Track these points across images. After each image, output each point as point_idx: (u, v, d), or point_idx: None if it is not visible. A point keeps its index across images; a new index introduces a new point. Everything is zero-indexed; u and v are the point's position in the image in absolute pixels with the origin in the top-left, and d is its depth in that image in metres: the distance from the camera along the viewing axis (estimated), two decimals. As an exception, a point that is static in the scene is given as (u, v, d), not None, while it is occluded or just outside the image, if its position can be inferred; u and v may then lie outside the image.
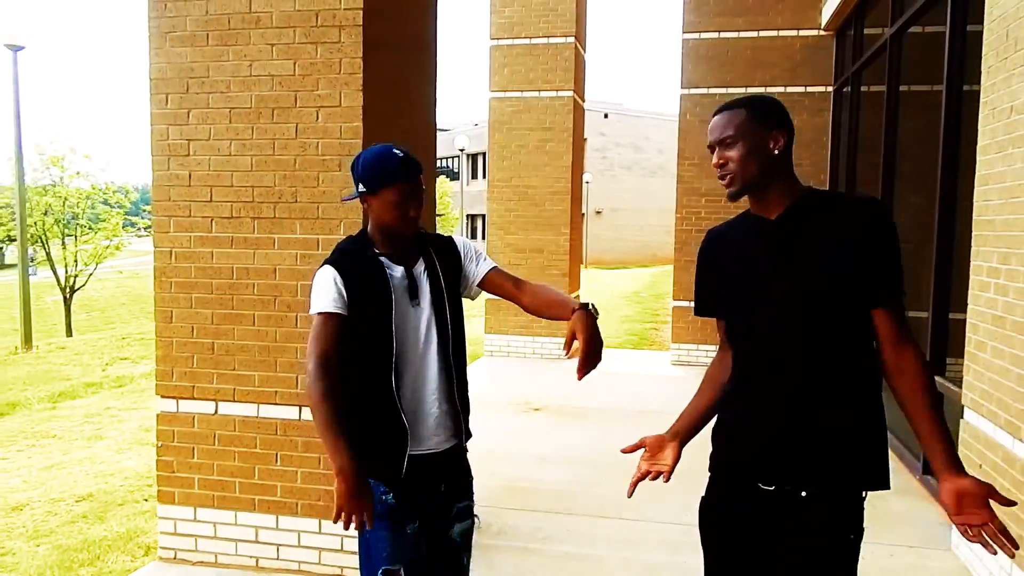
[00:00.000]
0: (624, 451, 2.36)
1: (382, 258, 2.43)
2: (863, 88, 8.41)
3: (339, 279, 2.36)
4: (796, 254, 2.07)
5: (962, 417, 4.22)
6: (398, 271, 2.43)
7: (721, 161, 2.12)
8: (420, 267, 2.47)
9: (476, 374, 9.41)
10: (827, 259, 2.03)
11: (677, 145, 10.15)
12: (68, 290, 22.05)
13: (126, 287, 31.42)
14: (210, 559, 4.00)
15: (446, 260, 2.53)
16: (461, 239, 2.61)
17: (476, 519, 2.56)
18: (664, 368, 9.84)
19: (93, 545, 4.42)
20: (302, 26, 3.76)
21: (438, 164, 54.49)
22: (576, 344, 2.37)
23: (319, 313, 2.34)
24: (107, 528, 4.68)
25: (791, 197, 2.12)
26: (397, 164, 2.36)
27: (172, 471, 4.02)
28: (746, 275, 2.17)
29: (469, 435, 2.62)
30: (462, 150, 30.92)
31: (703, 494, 2.31)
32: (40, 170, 22.17)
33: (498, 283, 2.58)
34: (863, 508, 2.12)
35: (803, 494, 2.09)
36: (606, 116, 46.38)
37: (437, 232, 2.60)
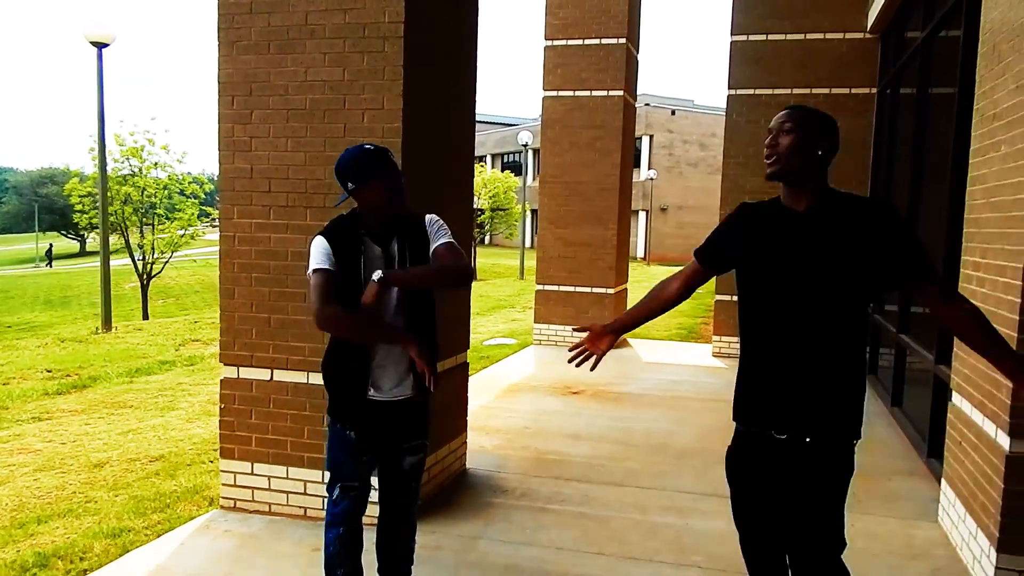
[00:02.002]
0: (575, 329, 3.00)
1: (365, 238, 2.99)
2: (902, 90, 8.60)
3: (328, 246, 2.93)
4: (820, 245, 2.51)
5: (949, 399, 4.54)
6: (376, 250, 3.00)
7: (774, 143, 2.55)
8: (395, 247, 3.02)
9: (523, 361, 9.88)
10: (846, 251, 2.48)
11: (723, 144, 10.43)
12: (145, 276, 23.07)
13: (200, 275, 32.61)
14: (264, 508, 4.54)
15: (417, 238, 3.06)
16: (431, 217, 3.12)
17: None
18: (704, 359, 10.18)
19: (164, 496, 5.00)
20: (351, 37, 4.25)
21: (505, 159, 55.10)
22: None
23: (315, 270, 2.94)
24: (176, 484, 5.26)
25: (819, 196, 2.56)
26: (374, 156, 2.94)
27: (233, 430, 4.57)
28: (772, 256, 2.60)
29: (430, 389, 3.13)
30: (525, 145, 31.29)
31: (729, 445, 2.81)
32: (120, 161, 23.16)
33: (436, 255, 3.11)
34: (854, 453, 2.60)
35: (807, 440, 2.56)
36: (673, 113, 46.42)
37: (415, 212, 3.14)
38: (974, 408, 4.08)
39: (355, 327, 2.94)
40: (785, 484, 2.64)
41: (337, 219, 3.09)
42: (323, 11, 4.27)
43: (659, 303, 2.91)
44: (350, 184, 2.96)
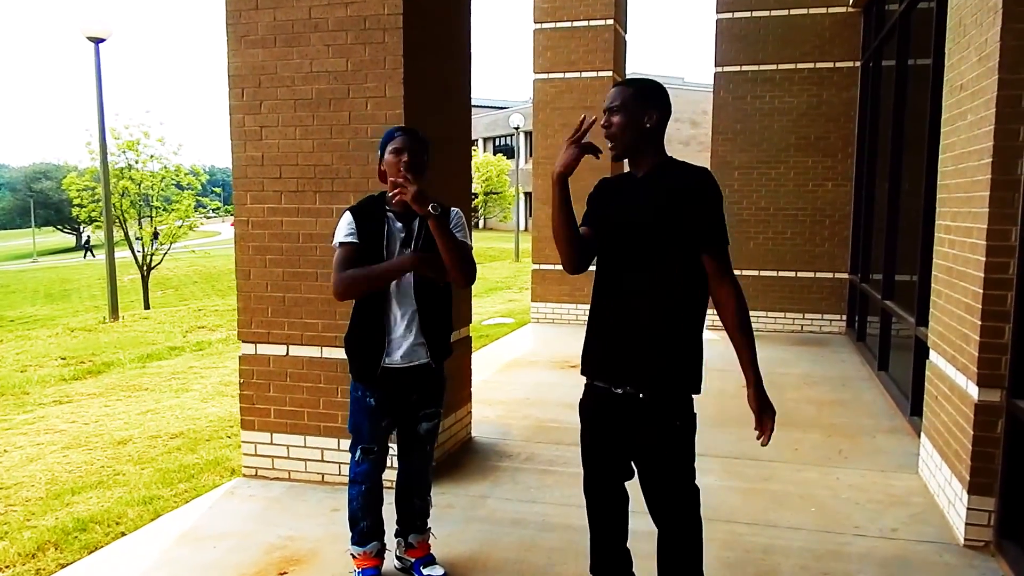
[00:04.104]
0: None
1: (390, 214, 3.28)
2: (884, 63, 8.83)
3: (353, 220, 3.24)
4: (648, 202, 2.69)
5: (927, 357, 4.83)
6: (398, 224, 3.28)
7: (607, 124, 2.72)
8: (415, 224, 3.28)
9: (521, 338, 10.16)
10: (662, 206, 2.65)
11: (712, 121, 10.66)
12: (145, 268, 23.24)
13: (197, 266, 32.74)
14: (284, 475, 4.83)
15: None
16: (456, 210, 3.35)
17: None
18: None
19: (188, 468, 5.29)
20: (353, 30, 4.49)
21: (497, 142, 55.26)
22: None
23: (340, 244, 3.24)
24: (198, 457, 5.55)
25: (656, 162, 2.74)
26: (393, 129, 3.33)
27: (252, 403, 4.85)
28: (616, 214, 2.78)
29: (442, 358, 3.46)
30: (517, 128, 31.45)
31: (581, 396, 2.94)
32: (116, 154, 23.21)
33: None
34: (690, 404, 2.74)
35: (641, 396, 2.70)
36: (662, 91, 46.38)
37: (443, 203, 3.32)
38: (947, 363, 4.36)
39: (366, 279, 3.19)
40: (628, 436, 2.78)
41: (367, 198, 3.42)
42: (326, 5, 4.51)
43: (577, 237, 2.83)
44: (380, 159, 3.31)
